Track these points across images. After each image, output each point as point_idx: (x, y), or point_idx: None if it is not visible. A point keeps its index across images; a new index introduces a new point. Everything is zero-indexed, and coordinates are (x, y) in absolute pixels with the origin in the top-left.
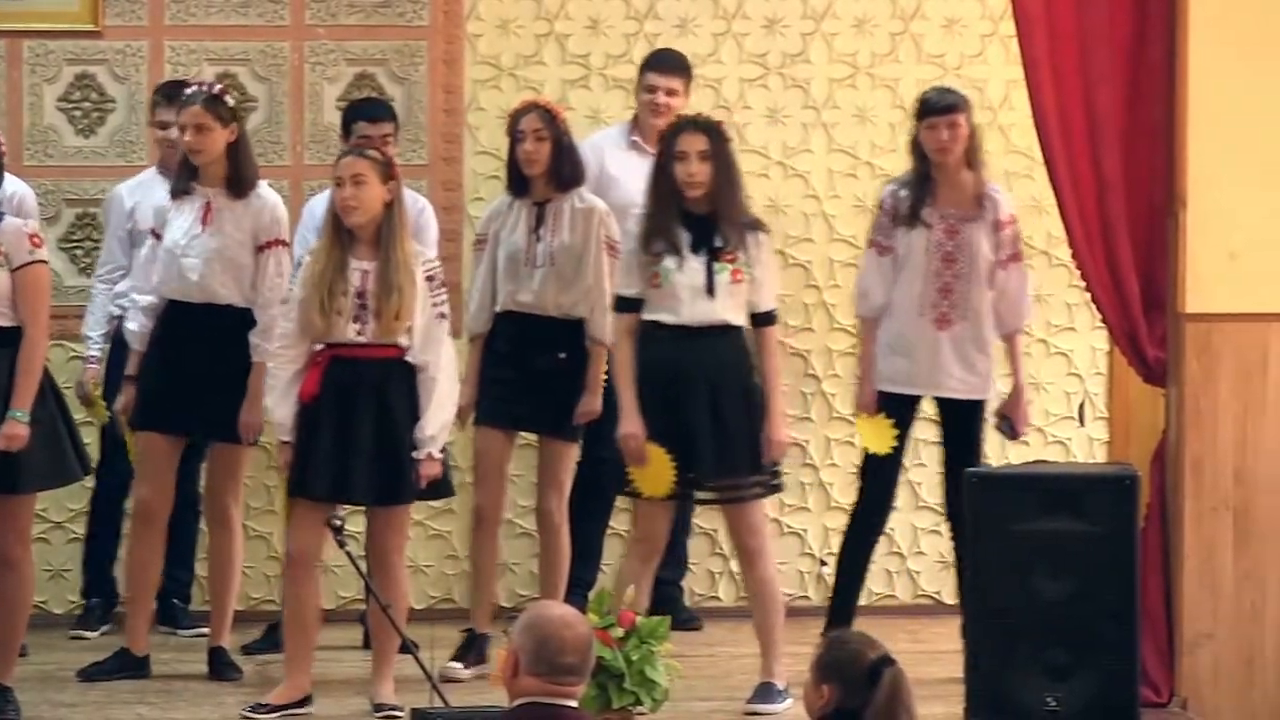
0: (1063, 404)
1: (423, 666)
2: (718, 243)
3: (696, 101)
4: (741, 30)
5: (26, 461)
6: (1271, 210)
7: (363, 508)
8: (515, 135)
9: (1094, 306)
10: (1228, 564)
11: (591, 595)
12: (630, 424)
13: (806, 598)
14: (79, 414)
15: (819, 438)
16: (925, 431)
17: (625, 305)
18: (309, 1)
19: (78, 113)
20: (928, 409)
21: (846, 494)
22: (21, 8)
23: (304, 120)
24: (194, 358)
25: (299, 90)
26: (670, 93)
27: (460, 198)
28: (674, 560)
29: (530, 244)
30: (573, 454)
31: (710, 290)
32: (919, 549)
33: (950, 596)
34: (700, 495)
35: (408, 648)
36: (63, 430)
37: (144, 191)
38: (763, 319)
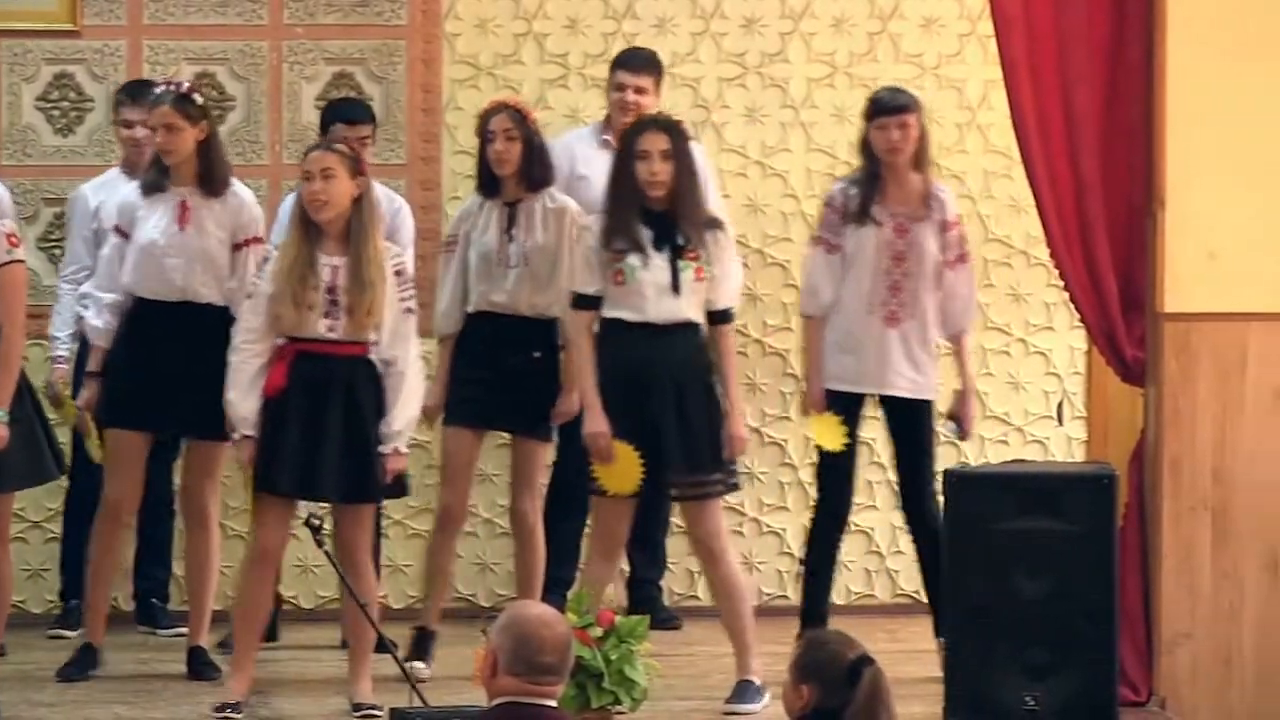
0: (1041, 403)
1: (402, 666)
2: (679, 241)
3: (675, 100)
4: (720, 30)
5: (4, 461)
6: (1250, 210)
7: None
8: (485, 135)
9: (1072, 306)
10: (1206, 564)
11: (570, 595)
12: (596, 422)
13: (785, 597)
14: (50, 414)
15: (798, 437)
16: None
17: (584, 302)
18: (287, 1)
19: (56, 112)
20: (871, 409)
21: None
22: None
23: (282, 119)
24: (171, 356)
25: (277, 89)
26: (639, 91)
27: (438, 197)
28: (653, 559)
29: (503, 244)
30: (546, 454)
31: (676, 288)
32: (898, 548)
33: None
34: (672, 492)
35: (386, 647)
36: (40, 429)
37: (108, 191)
38: (720, 317)
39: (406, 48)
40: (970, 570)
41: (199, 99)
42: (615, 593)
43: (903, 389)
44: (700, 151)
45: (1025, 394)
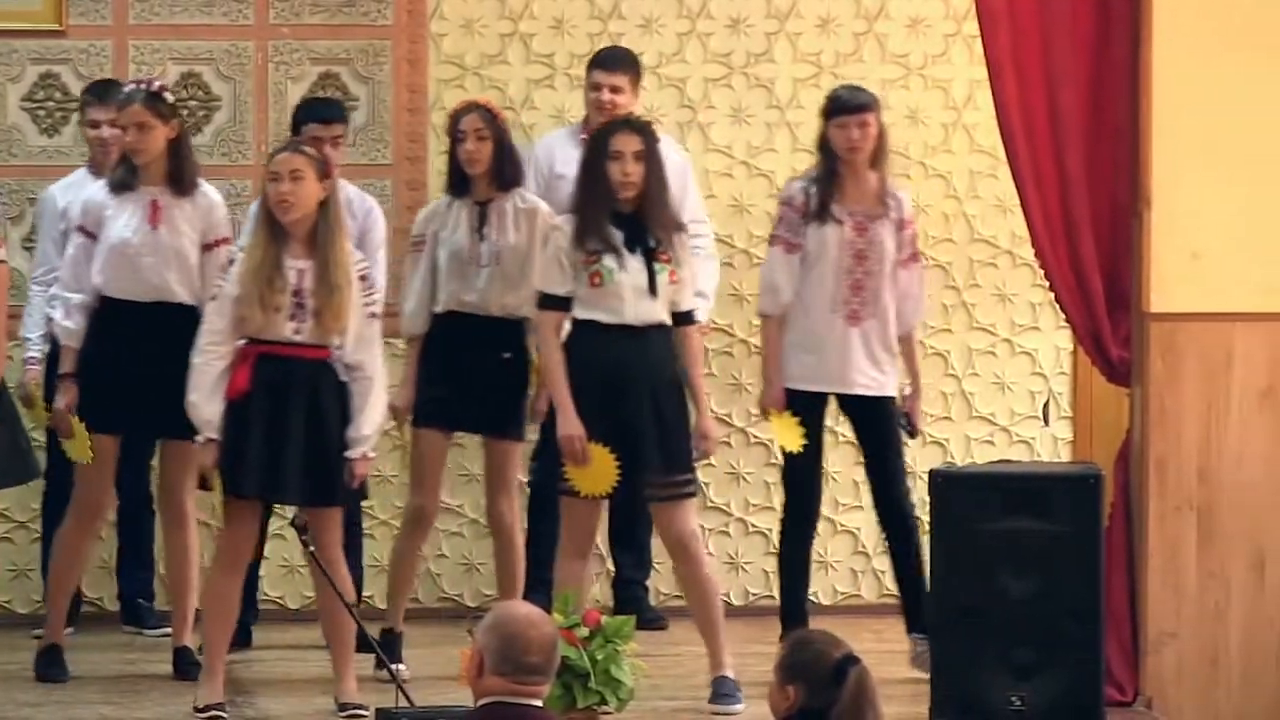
0: (1027, 403)
1: (388, 666)
2: (651, 243)
3: (661, 100)
4: (706, 30)
5: None
6: (1236, 209)
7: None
8: (456, 135)
9: (1058, 306)
10: (1191, 563)
11: (555, 595)
12: (570, 425)
13: (771, 597)
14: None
15: None
16: None
17: (554, 303)
18: (273, 1)
19: (41, 112)
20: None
21: None
22: None
23: (268, 119)
24: (144, 356)
25: (263, 89)
26: (615, 90)
27: (424, 197)
28: (638, 561)
29: (474, 243)
30: (519, 453)
31: (653, 290)
32: (884, 548)
33: None
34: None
35: (373, 646)
36: (20, 429)
37: (75, 191)
38: (685, 318)
39: (392, 48)
40: (956, 570)
41: (169, 97)
42: (600, 593)
43: (864, 387)
44: (677, 149)
45: (1011, 394)
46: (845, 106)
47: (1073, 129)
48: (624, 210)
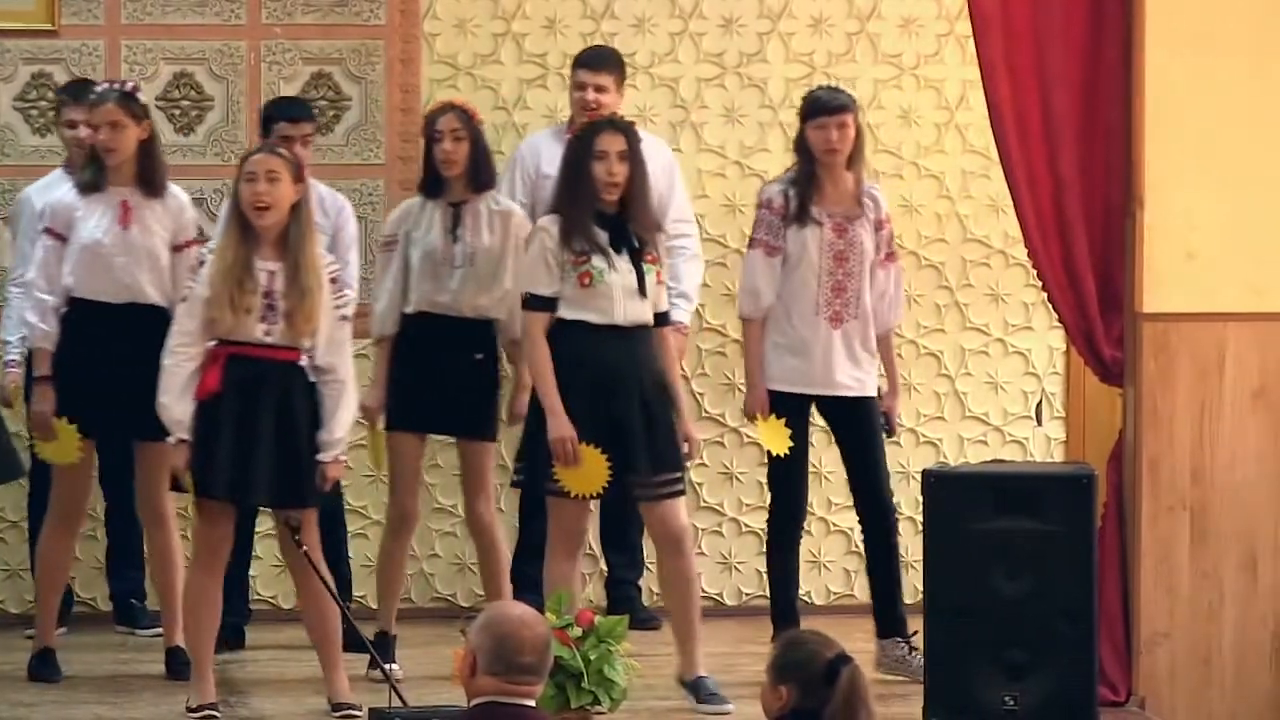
0: (1020, 403)
1: (381, 667)
2: (635, 243)
3: (653, 100)
4: (698, 29)
5: None
6: (1229, 210)
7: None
8: (432, 135)
9: (1051, 306)
10: (1184, 563)
11: (546, 596)
12: (562, 427)
13: (764, 597)
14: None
15: None
16: None
17: (541, 304)
18: (265, 1)
19: (34, 112)
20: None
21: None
22: None
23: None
24: (115, 357)
25: (255, 89)
26: (599, 89)
27: None
28: (631, 561)
29: (448, 244)
30: (493, 452)
31: (642, 290)
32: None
33: (908, 595)
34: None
35: (366, 646)
36: (3, 428)
37: (52, 192)
38: (662, 318)
39: (385, 48)
40: (949, 570)
41: (142, 98)
42: (593, 593)
43: (847, 388)
44: (663, 148)
45: (1004, 394)
46: (824, 108)
47: (1066, 130)
48: (606, 210)
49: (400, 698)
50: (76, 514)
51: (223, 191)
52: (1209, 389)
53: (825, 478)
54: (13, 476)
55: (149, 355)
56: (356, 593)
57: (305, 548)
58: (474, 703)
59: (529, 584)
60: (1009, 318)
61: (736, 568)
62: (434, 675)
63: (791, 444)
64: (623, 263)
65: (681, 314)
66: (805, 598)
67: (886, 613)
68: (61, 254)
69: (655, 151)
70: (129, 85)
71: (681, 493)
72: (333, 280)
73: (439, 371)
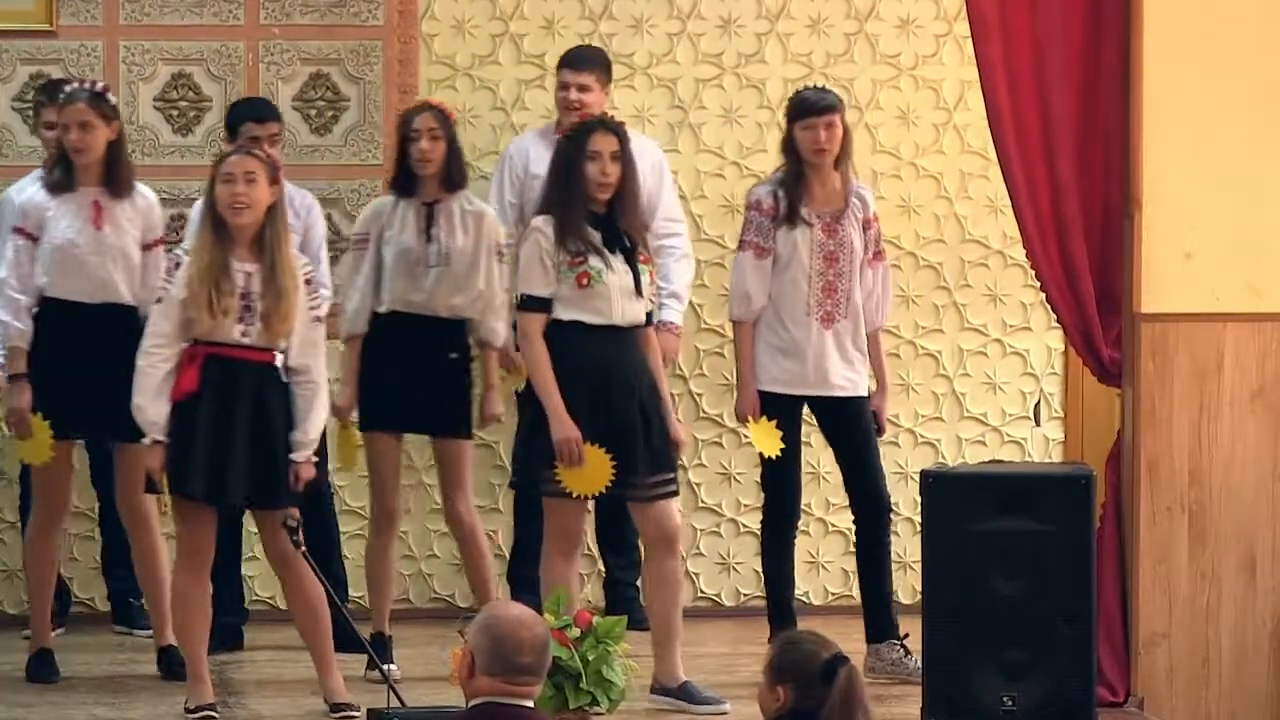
0: (1018, 404)
1: (379, 667)
2: (627, 244)
3: (652, 101)
4: (697, 30)
5: None
6: (1226, 210)
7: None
8: (409, 134)
9: (1049, 307)
10: (1183, 564)
11: (544, 596)
12: (565, 428)
13: (762, 597)
14: None
15: None
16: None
17: (537, 305)
18: (264, 1)
19: (32, 112)
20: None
21: (804, 494)
22: None
23: None
24: (90, 357)
25: (253, 90)
26: (583, 89)
27: None
28: (629, 562)
29: (422, 244)
30: (470, 450)
31: (639, 291)
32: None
33: (906, 596)
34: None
35: (364, 647)
36: None
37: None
38: (648, 320)
39: (383, 48)
40: (948, 570)
41: (112, 99)
42: (591, 594)
43: (840, 388)
44: (654, 147)
45: (1002, 394)
46: (812, 108)
47: (1064, 131)
48: (597, 211)
49: (399, 698)
50: (57, 514)
51: None
52: (1207, 390)
53: (823, 478)
54: None
55: (123, 355)
56: (355, 592)
57: (303, 549)
58: (472, 703)
59: (526, 585)
60: (1007, 318)
61: (735, 568)
62: (432, 676)
63: (783, 446)
64: (619, 263)
65: (673, 314)
66: (803, 598)
67: (878, 615)
68: (33, 253)
69: (645, 150)
70: (99, 85)
71: (675, 493)
72: (307, 281)
73: (414, 371)
